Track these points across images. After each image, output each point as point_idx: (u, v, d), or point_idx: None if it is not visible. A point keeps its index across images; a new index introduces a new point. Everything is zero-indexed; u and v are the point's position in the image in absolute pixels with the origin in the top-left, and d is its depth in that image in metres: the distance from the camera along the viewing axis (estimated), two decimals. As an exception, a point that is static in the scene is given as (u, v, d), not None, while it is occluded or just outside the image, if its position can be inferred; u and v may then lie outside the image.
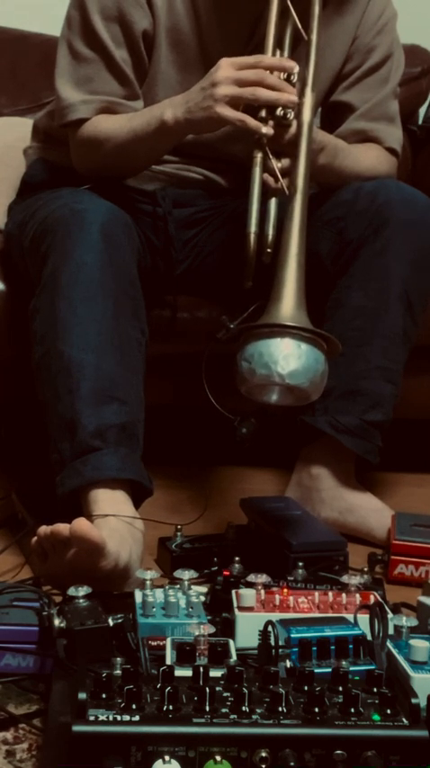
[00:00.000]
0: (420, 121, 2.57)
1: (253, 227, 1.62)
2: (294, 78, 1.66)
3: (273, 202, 1.65)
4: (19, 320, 1.97)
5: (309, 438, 1.87)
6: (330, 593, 1.39)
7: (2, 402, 2.07)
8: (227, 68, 1.64)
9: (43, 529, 1.47)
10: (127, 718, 1.04)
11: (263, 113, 1.64)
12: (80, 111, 1.84)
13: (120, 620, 1.27)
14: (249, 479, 2.13)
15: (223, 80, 1.63)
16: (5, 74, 2.52)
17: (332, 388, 1.84)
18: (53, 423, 1.60)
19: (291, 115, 1.64)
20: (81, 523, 1.43)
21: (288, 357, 1.47)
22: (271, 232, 1.63)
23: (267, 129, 1.63)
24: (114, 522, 1.52)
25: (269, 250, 1.62)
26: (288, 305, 1.52)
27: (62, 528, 1.44)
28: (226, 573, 1.48)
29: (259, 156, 1.64)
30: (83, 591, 1.30)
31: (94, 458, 1.56)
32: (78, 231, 1.65)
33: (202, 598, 1.40)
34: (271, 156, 1.64)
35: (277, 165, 1.64)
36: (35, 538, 1.49)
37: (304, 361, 1.48)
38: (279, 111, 1.64)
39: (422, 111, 2.56)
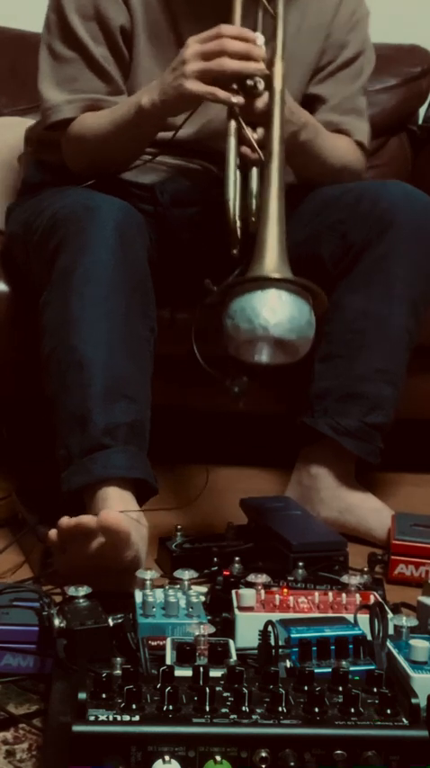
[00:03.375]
0: (420, 121, 2.57)
1: (230, 194, 1.63)
2: (262, 49, 1.66)
3: (253, 173, 1.65)
4: (21, 321, 1.98)
5: (309, 439, 1.87)
6: (330, 593, 1.39)
7: (4, 402, 2.07)
8: (193, 45, 1.66)
9: (65, 520, 1.47)
10: (127, 718, 1.04)
11: (234, 85, 1.65)
12: (65, 111, 1.85)
13: (120, 620, 1.28)
14: (249, 479, 2.13)
15: (190, 56, 1.65)
16: (5, 74, 2.52)
17: (331, 388, 1.85)
18: (61, 418, 1.60)
19: (261, 85, 1.64)
20: (111, 514, 1.44)
21: (271, 308, 1.46)
22: (253, 202, 1.64)
23: (237, 99, 1.64)
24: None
25: (254, 219, 1.62)
26: (270, 259, 1.52)
27: (88, 519, 1.45)
28: (226, 573, 1.48)
29: (233, 125, 1.65)
30: (83, 591, 1.30)
31: (103, 456, 1.56)
32: (93, 228, 1.65)
33: (202, 598, 1.40)
34: (245, 127, 1.65)
35: (253, 135, 1.65)
36: (54, 531, 1.48)
37: (288, 312, 1.46)
38: (249, 82, 1.65)
39: (422, 111, 2.56)
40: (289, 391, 1.95)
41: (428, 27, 2.60)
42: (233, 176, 1.64)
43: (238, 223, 1.62)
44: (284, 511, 1.78)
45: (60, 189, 1.85)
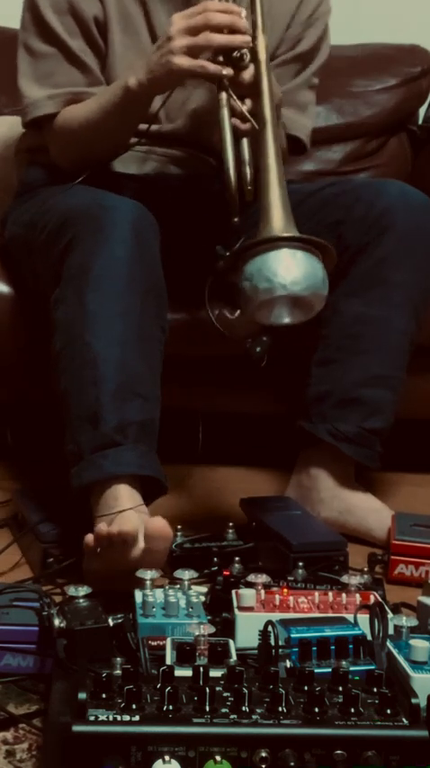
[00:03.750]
0: (420, 121, 2.57)
1: (231, 163, 1.65)
2: (246, 22, 1.69)
3: (245, 143, 1.68)
4: (23, 323, 1.98)
5: (309, 442, 1.88)
6: (330, 593, 1.39)
7: (8, 403, 2.07)
8: (178, 21, 1.67)
9: (105, 528, 1.47)
10: (127, 718, 1.04)
11: (220, 58, 1.67)
12: (46, 106, 1.86)
13: (120, 620, 1.28)
14: (249, 479, 2.13)
15: (176, 32, 1.66)
16: (5, 74, 2.51)
17: (328, 393, 1.85)
18: (72, 414, 1.60)
19: (247, 57, 1.66)
20: (158, 523, 1.47)
21: (287, 267, 1.50)
22: (248, 171, 1.67)
23: (227, 71, 1.65)
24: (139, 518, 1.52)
25: (250, 188, 1.65)
26: (277, 220, 1.55)
27: (130, 527, 1.46)
28: (226, 573, 1.48)
29: (224, 96, 1.67)
30: (83, 591, 1.30)
31: (114, 453, 1.56)
32: (110, 226, 1.66)
33: (202, 598, 1.40)
34: (235, 98, 1.67)
35: (242, 107, 1.67)
36: (92, 536, 1.48)
37: (303, 269, 1.50)
38: (235, 55, 1.66)
39: (422, 111, 2.56)
40: (289, 392, 1.95)
41: (428, 27, 2.60)
42: (230, 146, 1.66)
43: (232, 191, 1.65)
44: (284, 511, 1.78)
45: (62, 188, 1.85)
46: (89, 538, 1.49)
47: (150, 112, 1.82)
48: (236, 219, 1.66)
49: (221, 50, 1.66)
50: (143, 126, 1.84)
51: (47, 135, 1.91)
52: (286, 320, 1.54)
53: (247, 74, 1.67)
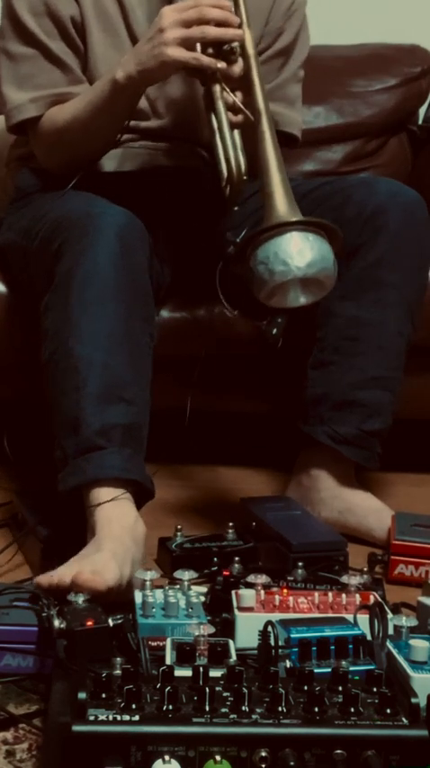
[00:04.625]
0: (420, 121, 2.57)
1: (230, 153, 1.69)
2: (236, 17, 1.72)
3: (236, 134, 1.71)
4: (20, 326, 1.98)
5: (308, 443, 1.88)
6: (330, 594, 1.39)
7: (4, 405, 2.07)
8: (170, 14, 1.68)
9: (46, 580, 1.40)
10: (127, 718, 1.04)
11: (210, 50, 1.68)
12: (29, 110, 1.86)
13: (120, 620, 1.28)
14: (249, 480, 2.13)
15: (169, 25, 1.67)
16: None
17: (326, 395, 1.85)
18: (58, 419, 1.60)
19: (238, 50, 1.69)
20: (83, 576, 1.37)
21: (301, 250, 1.56)
22: (242, 160, 1.70)
23: (221, 64, 1.68)
24: (118, 529, 1.50)
25: (245, 177, 1.69)
26: (283, 206, 1.61)
27: (64, 579, 1.39)
28: (226, 573, 1.48)
29: (218, 89, 1.70)
30: (82, 595, 1.31)
31: (97, 456, 1.56)
32: (95, 232, 1.65)
33: (202, 598, 1.40)
34: (228, 91, 1.69)
35: (235, 99, 1.70)
36: (39, 582, 1.42)
37: (317, 251, 1.56)
38: (226, 48, 1.68)
39: (422, 111, 2.56)
40: (288, 393, 1.95)
41: (428, 27, 2.60)
42: (229, 137, 1.69)
43: (235, 179, 1.69)
44: (284, 511, 1.78)
45: (57, 194, 1.84)
46: (38, 581, 1.42)
47: (137, 109, 1.83)
48: (236, 208, 1.70)
49: (214, 43, 1.68)
50: (133, 123, 1.85)
51: (31, 139, 1.91)
52: (301, 301, 1.60)
53: (238, 67, 1.69)
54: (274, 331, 1.62)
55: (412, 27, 2.58)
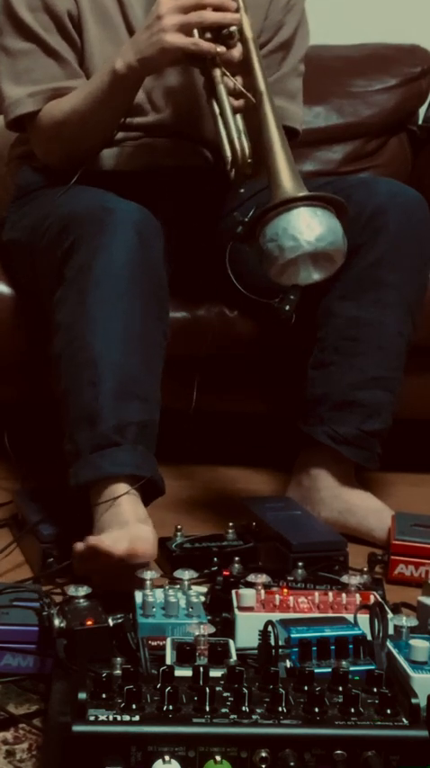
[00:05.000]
0: (420, 121, 2.57)
1: (234, 135, 1.69)
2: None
3: (239, 118, 1.72)
4: (23, 325, 1.98)
5: (308, 443, 1.88)
6: (330, 593, 1.39)
7: (6, 405, 2.07)
8: (167, 1, 1.69)
9: (95, 541, 1.47)
10: (127, 718, 1.04)
11: (208, 35, 1.70)
12: (27, 104, 1.87)
13: (120, 620, 1.28)
14: (249, 480, 2.13)
15: (167, 11, 1.68)
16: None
17: (326, 395, 1.85)
18: (71, 413, 1.60)
19: (236, 35, 1.70)
20: (142, 548, 1.46)
21: (310, 224, 1.56)
22: (246, 144, 1.70)
23: (221, 48, 1.69)
24: (133, 519, 1.52)
25: (250, 161, 1.70)
26: (289, 182, 1.61)
27: (112, 548, 1.46)
28: (226, 573, 1.48)
29: (218, 73, 1.71)
30: (83, 591, 1.30)
31: (112, 452, 1.56)
32: (113, 228, 1.66)
33: (202, 598, 1.40)
34: (228, 75, 1.70)
35: (235, 83, 1.71)
36: (82, 544, 1.49)
37: (326, 225, 1.57)
38: (224, 32, 1.69)
39: (422, 111, 2.56)
40: (288, 393, 1.95)
41: (428, 27, 2.60)
42: (231, 121, 1.70)
43: (240, 161, 1.69)
44: (284, 511, 1.78)
45: (61, 190, 1.84)
46: (80, 545, 1.49)
47: (135, 104, 1.83)
48: (242, 191, 1.71)
49: (212, 28, 1.69)
50: (131, 119, 1.85)
51: (30, 134, 1.91)
52: (312, 277, 1.60)
53: (237, 51, 1.70)
54: (287, 307, 1.61)
55: (412, 27, 2.59)
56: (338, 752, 1.04)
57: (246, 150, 1.70)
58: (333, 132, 2.48)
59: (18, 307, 1.99)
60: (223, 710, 1.06)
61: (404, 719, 1.06)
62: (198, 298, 2.02)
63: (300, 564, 1.51)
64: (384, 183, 1.92)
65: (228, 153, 1.70)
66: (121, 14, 1.88)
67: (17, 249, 1.94)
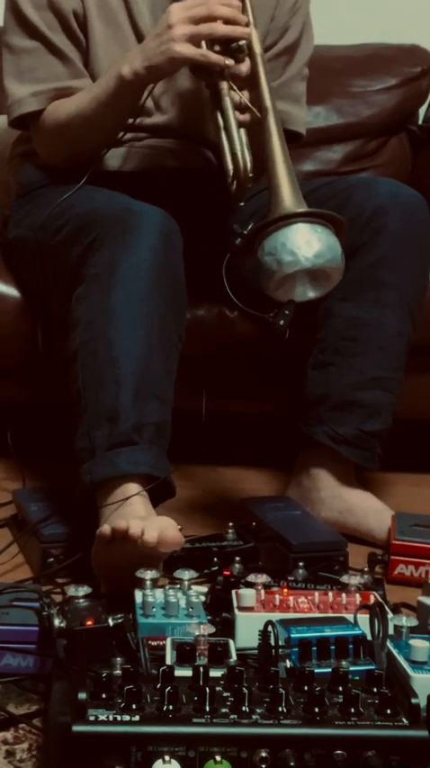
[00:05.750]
0: (420, 121, 2.57)
1: (237, 148, 1.70)
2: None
3: (242, 132, 1.72)
4: (26, 324, 1.98)
5: (308, 443, 1.88)
6: (330, 593, 1.39)
7: (9, 406, 2.07)
8: (178, 11, 1.69)
9: (127, 525, 1.45)
10: (127, 718, 1.04)
11: (217, 48, 1.70)
12: (30, 103, 1.87)
13: (120, 620, 1.27)
14: (249, 479, 2.13)
15: (177, 21, 1.68)
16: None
17: (325, 396, 1.85)
18: (89, 410, 1.60)
19: (245, 49, 1.70)
20: (173, 538, 1.45)
21: (309, 241, 1.56)
22: (248, 158, 1.71)
23: (229, 61, 1.69)
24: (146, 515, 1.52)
25: (251, 175, 1.70)
26: (289, 198, 1.62)
27: (148, 536, 1.44)
28: (226, 573, 1.48)
29: (225, 86, 1.71)
30: (83, 591, 1.30)
31: (128, 451, 1.56)
32: (139, 229, 1.66)
33: (202, 598, 1.40)
34: (235, 89, 1.71)
35: (242, 97, 1.71)
36: (109, 528, 1.46)
37: (325, 242, 1.57)
38: (233, 46, 1.69)
39: (422, 111, 2.56)
40: (288, 393, 1.95)
41: (428, 27, 2.60)
42: (235, 134, 1.70)
43: (242, 175, 1.70)
44: (284, 511, 1.78)
45: (69, 189, 1.82)
46: (106, 528, 1.47)
47: (140, 105, 1.83)
48: (242, 204, 1.71)
49: (222, 41, 1.69)
50: (137, 120, 1.85)
51: (33, 133, 1.91)
52: (309, 294, 1.60)
53: (245, 66, 1.70)
54: (281, 322, 1.61)
55: (412, 27, 2.59)
56: (338, 752, 1.04)
57: (248, 164, 1.70)
58: (333, 132, 2.48)
59: (21, 306, 1.99)
60: (223, 710, 1.06)
61: (404, 719, 1.06)
62: (198, 298, 2.02)
63: (301, 564, 1.51)
64: (384, 183, 1.92)
65: (230, 166, 1.70)
66: (127, 14, 1.89)
67: (23, 247, 1.93)
